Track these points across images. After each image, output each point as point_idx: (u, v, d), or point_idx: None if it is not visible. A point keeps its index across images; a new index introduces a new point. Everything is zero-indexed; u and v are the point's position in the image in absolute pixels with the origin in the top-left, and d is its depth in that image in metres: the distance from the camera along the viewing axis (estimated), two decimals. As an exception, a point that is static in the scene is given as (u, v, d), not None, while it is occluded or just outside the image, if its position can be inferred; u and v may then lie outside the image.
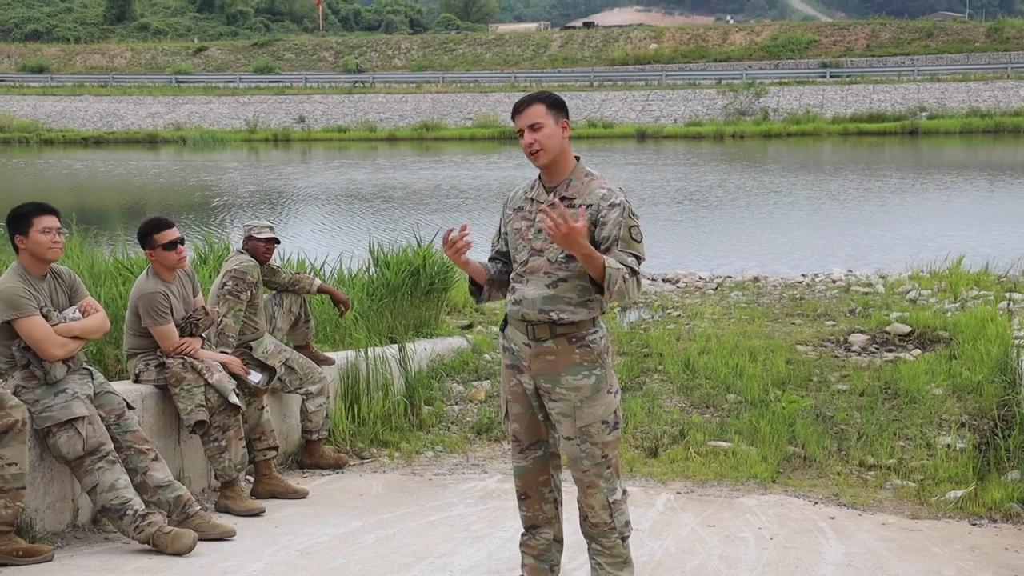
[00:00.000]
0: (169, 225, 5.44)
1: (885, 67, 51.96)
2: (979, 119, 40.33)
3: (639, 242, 3.91)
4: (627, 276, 3.81)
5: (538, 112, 3.90)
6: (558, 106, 3.94)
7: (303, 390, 6.31)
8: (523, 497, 4.17)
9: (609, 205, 3.88)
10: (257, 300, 6.10)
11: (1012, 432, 6.21)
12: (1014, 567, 4.75)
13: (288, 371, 6.24)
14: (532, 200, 4.00)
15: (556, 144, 3.91)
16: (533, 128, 3.89)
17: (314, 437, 6.38)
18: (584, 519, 4.07)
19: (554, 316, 3.89)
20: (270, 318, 6.41)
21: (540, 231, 3.92)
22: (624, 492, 4.07)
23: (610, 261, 3.80)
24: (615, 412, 3.98)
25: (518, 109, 3.95)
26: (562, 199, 3.92)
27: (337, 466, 6.39)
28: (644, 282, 10.21)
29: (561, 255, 3.88)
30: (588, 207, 3.89)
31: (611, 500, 4.01)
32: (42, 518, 4.83)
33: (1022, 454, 6.03)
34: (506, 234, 4.10)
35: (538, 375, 3.97)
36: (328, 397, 6.44)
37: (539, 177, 4.03)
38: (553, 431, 4.11)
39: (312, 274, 8.23)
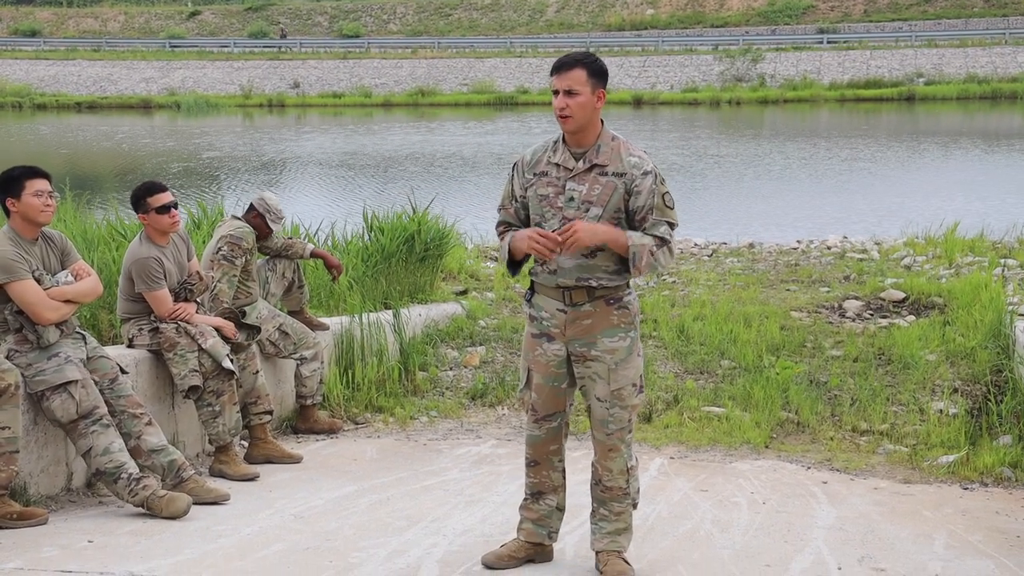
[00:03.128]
0: (162, 189, 5.42)
1: (883, 33, 51.69)
2: (976, 85, 40.18)
3: (672, 208, 3.92)
4: (654, 249, 3.83)
5: (578, 78, 3.83)
6: (599, 74, 3.87)
7: (297, 355, 6.31)
8: (532, 464, 4.18)
9: (642, 173, 3.87)
10: (251, 266, 6.09)
11: (1004, 398, 6.23)
12: (1004, 530, 4.79)
13: (282, 336, 6.23)
14: (559, 166, 3.93)
15: (587, 114, 3.85)
16: (569, 93, 3.82)
17: (308, 402, 6.38)
18: (597, 482, 4.10)
19: (593, 283, 3.90)
20: (263, 283, 6.40)
21: (572, 199, 3.88)
22: (637, 460, 4.11)
23: (633, 239, 3.80)
24: (641, 376, 4.02)
25: (559, 68, 3.86)
26: (593, 166, 3.89)
27: (331, 431, 6.40)
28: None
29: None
30: (621, 176, 3.87)
31: (629, 465, 4.05)
32: (36, 482, 4.84)
33: (1014, 419, 6.05)
34: (524, 197, 4.02)
35: (573, 340, 3.97)
36: (322, 362, 6.43)
37: (562, 140, 3.96)
38: (571, 401, 4.12)
39: (306, 239, 8.22)
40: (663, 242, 3.86)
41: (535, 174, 3.98)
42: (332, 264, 6.75)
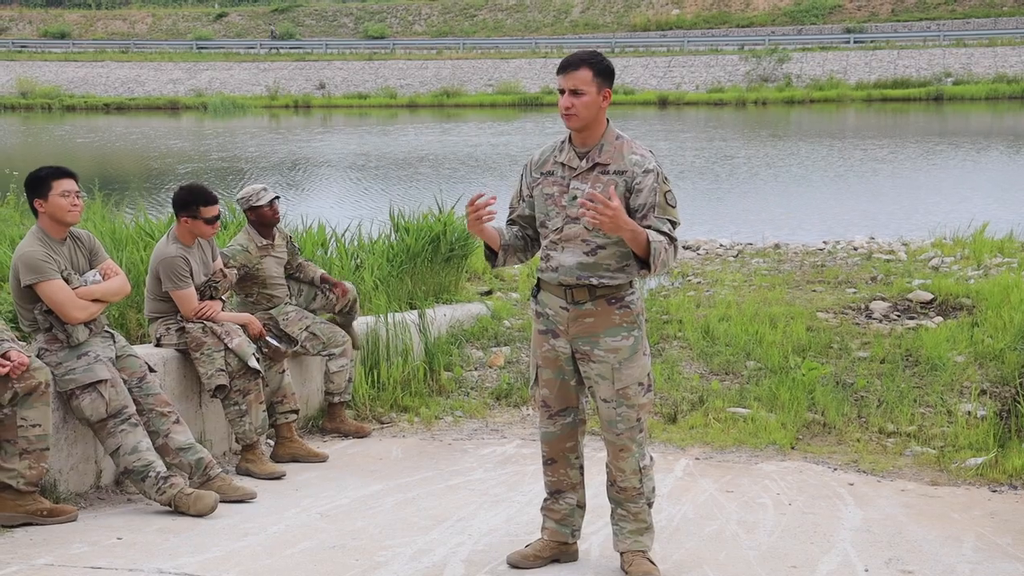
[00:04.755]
0: (215, 201, 5.49)
1: (910, 32, 51.34)
2: (1006, 85, 39.85)
3: (674, 207, 3.91)
4: (667, 247, 3.82)
5: (584, 78, 3.84)
6: (605, 74, 3.88)
7: (326, 352, 6.32)
8: (549, 462, 4.18)
9: (643, 171, 3.87)
10: (263, 275, 6.08)
11: (1034, 400, 6.17)
12: (1034, 534, 4.74)
13: (310, 337, 6.24)
14: (564, 165, 3.95)
15: (592, 113, 3.86)
16: (575, 92, 3.84)
17: (336, 399, 6.39)
18: (612, 484, 4.09)
19: (594, 281, 3.90)
20: (309, 299, 6.38)
21: (575, 198, 3.89)
22: (651, 459, 4.10)
23: (653, 236, 3.79)
24: (648, 374, 4.01)
25: (565, 68, 3.88)
26: (596, 165, 3.90)
27: (358, 435, 6.38)
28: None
29: None
30: (622, 174, 3.87)
31: (642, 465, 4.04)
32: (66, 479, 4.89)
33: (1044, 422, 6.00)
34: (530, 197, 4.05)
35: (576, 338, 3.97)
36: (351, 360, 6.43)
37: (568, 140, 3.99)
38: (584, 396, 4.12)
39: (332, 239, 8.22)
40: (670, 240, 3.86)
41: (542, 173, 4.02)
42: (334, 284, 6.65)
